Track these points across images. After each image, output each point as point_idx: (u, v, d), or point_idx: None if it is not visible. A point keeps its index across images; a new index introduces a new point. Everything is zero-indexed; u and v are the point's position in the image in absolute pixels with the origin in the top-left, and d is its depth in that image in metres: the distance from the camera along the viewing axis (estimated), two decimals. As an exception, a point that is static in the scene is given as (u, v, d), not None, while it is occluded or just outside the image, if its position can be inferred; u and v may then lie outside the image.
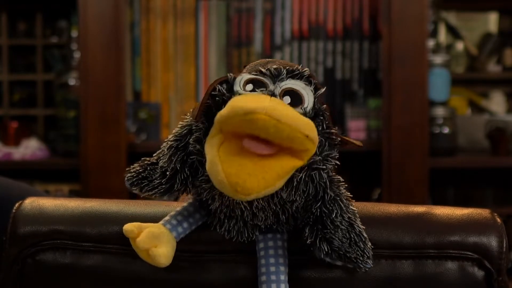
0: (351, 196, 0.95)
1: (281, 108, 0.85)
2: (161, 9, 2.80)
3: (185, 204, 0.98)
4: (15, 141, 2.85)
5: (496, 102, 3.11)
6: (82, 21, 2.64)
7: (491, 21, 3.19)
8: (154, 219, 0.96)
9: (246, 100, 0.85)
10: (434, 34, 2.92)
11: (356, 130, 2.80)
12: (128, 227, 0.94)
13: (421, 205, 1.02)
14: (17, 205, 1.02)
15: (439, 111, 2.81)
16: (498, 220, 0.99)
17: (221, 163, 0.86)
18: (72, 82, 2.81)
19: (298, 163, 0.88)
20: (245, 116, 0.83)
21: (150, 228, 0.94)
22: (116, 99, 2.66)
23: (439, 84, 2.80)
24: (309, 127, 0.86)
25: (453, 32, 3.15)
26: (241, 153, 0.86)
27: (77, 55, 2.76)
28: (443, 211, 1.01)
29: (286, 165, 0.87)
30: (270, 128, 0.83)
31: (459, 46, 3.13)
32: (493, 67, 3.11)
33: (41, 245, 0.99)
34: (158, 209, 1.00)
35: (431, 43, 2.80)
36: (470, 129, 2.97)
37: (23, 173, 2.77)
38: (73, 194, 2.80)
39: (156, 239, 0.93)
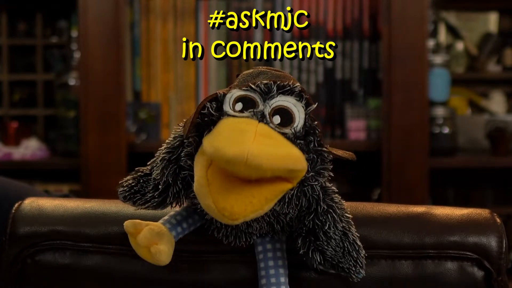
0: (344, 206, 0.94)
1: (263, 151, 0.83)
2: (161, 9, 2.80)
3: (184, 204, 0.98)
4: (15, 141, 2.85)
5: (496, 102, 3.11)
6: (82, 21, 2.64)
7: (491, 21, 3.19)
8: (153, 219, 0.96)
9: (228, 142, 0.84)
10: (434, 34, 2.92)
11: (356, 130, 2.80)
12: (129, 223, 0.95)
13: (420, 205, 1.02)
14: (16, 205, 1.02)
15: (439, 111, 2.81)
16: (498, 220, 0.99)
17: (209, 186, 0.85)
18: (72, 82, 2.81)
19: (287, 186, 0.87)
20: (227, 165, 0.83)
21: (150, 225, 0.94)
22: (116, 99, 2.66)
23: (439, 84, 2.79)
24: (293, 161, 0.85)
25: (453, 32, 3.15)
26: (229, 175, 0.85)
27: (77, 55, 2.76)
28: (442, 211, 1.00)
29: (275, 189, 0.86)
30: (252, 174, 0.83)
31: (459, 46, 3.13)
32: (493, 67, 3.11)
33: (41, 245, 0.99)
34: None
35: (431, 43, 2.80)
36: (470, 129, 2.97)
37: (23, 173, 2.76)
38: (73, 194, 2.80)
39: (157, 236, 0.93)
